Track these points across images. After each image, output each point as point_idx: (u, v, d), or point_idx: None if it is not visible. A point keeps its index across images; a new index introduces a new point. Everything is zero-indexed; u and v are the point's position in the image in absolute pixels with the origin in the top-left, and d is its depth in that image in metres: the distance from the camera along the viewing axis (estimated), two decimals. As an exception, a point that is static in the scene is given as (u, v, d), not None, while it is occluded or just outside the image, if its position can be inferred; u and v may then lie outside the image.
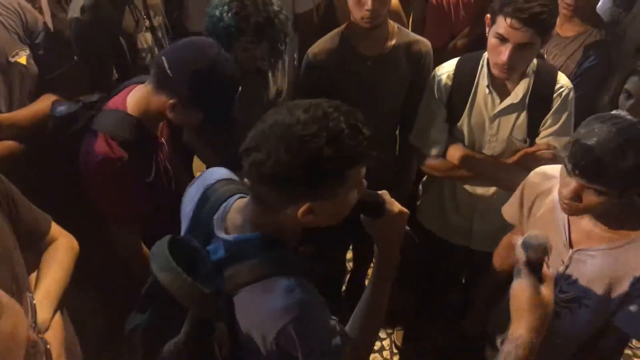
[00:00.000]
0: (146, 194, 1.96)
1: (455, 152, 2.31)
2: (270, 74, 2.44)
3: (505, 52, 2.01)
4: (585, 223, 1.76)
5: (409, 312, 3.15)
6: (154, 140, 1.99)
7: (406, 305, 3.15)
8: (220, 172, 1.54)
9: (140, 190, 1.93)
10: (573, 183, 1.60)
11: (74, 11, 2.38)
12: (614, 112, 1.66)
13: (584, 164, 1.55)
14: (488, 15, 2.11)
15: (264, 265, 1.28)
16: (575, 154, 1.57)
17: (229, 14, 2.10)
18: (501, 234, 2.42)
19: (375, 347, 3.11)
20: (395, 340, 3.11)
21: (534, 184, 1.94)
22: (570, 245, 1.78)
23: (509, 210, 2.08)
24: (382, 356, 3.08)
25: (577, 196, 1.61)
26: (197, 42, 1.87)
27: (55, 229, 1.71)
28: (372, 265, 3.41)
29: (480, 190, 2.37)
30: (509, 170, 2.22)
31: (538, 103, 2.18)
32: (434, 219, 2.58)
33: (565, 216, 1.80)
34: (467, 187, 2.39)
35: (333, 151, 1.18)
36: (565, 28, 2.67)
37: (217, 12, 2.13)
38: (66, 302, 1.63)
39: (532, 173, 1.96)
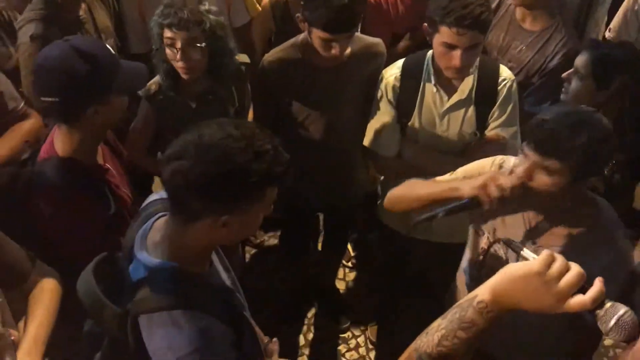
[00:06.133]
0: (112, 227, 1.91)
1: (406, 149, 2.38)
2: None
3: (456, 57, 2.07)
4: (545, 223, 1.77)
5: (381, 309, 3.21)
6: (97, 169, 1.93)
7: (379, 302, 3.23)
8: (161, 193, 1.57)
9: (104, 226, 1.89)
10: (526, 162, 1.62)
11: (23, 39, 2.37)
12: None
13: (539, 136, 1.58)
14: (425, 24, 2.15)
15: (170, 296, 1.33)
16: (532, 128, 1.61)
17: (159, 11, 2.19)
18: (457, 224, 2.49)
19: (351, 345, 3.18)
20: (370, 337, 3.17)
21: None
22: (533, 242, 1.79)
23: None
24: (358, 353, 3.14)
25: (529, 176, 1.62)
26: (42, 58, 1.76)
27: (40, 268, 1.71)
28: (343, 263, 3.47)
29: (436, 185, 2.43)
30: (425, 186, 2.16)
31: (484, 97, 2.25)
32: (395, 217, 2.62)
33: (525, 214, 1.80)
34: (424, 183, 2.44)
35: (258, 167, 1.26)
36: (529, 22, 2.70)
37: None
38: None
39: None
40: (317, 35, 2.22)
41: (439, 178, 1.90)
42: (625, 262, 1.72)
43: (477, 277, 2.03)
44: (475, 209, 1.64)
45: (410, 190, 1.95)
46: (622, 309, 0.99)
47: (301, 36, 2.41)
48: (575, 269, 1.00)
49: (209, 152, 1.25)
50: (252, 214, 1.34)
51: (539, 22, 2.69)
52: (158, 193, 1.61)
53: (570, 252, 1.71)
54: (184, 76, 2.27)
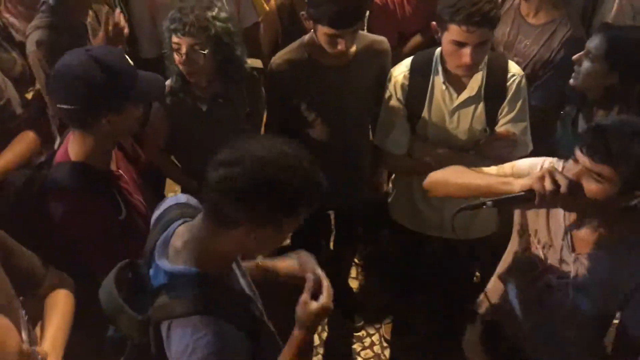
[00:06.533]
0: (122, 232, 1.93)
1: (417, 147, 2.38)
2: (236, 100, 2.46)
3: (466, 54, 2.08)
4: (585, 232, 1.74)
5: (394, 306, 3.22)
6: (109, 175, 1.96)
7: (391, 300, 3.24)
8: (177, 198, 1.62)
9: (114, 230, 1.91)
10: (576, 168, 1.58)
11: (30, 48, 2.40)
12: None
13: (593, 140, 1.55)
14: (434, 23, 2.16)
15: (191, 302, 1.35)
16: (587, 133, 1.58)
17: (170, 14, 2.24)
18: (473, 220, 2.51)
19: (366, 343, 3.18)
20: (384, 335, 3.17)
21: None
22: (572, 249, 1.77)
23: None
24: (373, 351, 3.14)
25: (577, 182, 1.57)
26: (61, 66, 1.78)
27: (54, 274, 1.74)
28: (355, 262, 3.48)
29: (447, 181, 2.43)
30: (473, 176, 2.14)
31: (493, 93, 2.26)
32: (406, 214, 2.64)
33: (567, 221, 1.78)
34: (435, 180, 2.44)
35: (304, 187, 1.30)
36: (534, 16, 2.69)
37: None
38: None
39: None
40: (322, 32, 2.23)
41: (486, 169, 1.88)
42: None
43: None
44: (526, 203, 1.61)
45: (459, 177, 1.88)
46: None
47: (307, 36, 2.42)
48: None
49: (265, 164, 1.28)
50: (283, 228, 1.37)
51: (543, 15, 2.68)
52: (173, 198, 1.63)
53: (607, 263, 1.71)
54: (189, 79, 2.30)
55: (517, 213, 1.94)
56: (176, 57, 2.24)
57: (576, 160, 1.59)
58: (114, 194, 1.94)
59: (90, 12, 2.60)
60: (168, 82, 2.36)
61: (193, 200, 1.61)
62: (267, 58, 2.84)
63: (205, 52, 2.20)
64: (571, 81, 2.32)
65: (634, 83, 2.20)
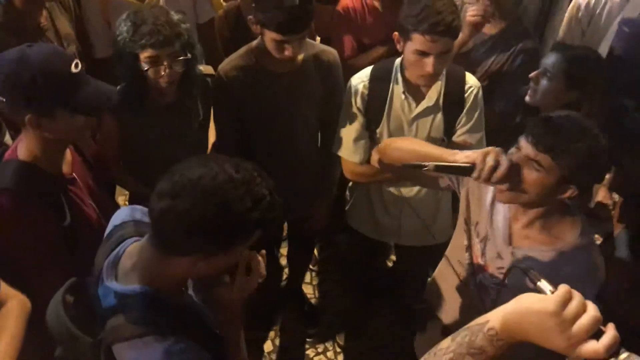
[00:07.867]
0: (65, 239, 1.84)
1: (374, 155, 2.39)
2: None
3: (429, 64, 2.10)
4: (522, 226, 1.80)
5: (348, 312, 3.25)
6: (58, 178, 1.87)
7: (346, 306, 3.27)
8: (132, 212, 1.55)
9: (55, 237, 1.82)
10: (518, 155, 1.65)
11: None
12: None
13: (540, 131, 1.61)
14: (396, 33, 2.18)
15: (143, 322, 1.30)
16: (536, 123, 1.64)
17: (126, 29, 2.11)
18: (428, 229, 2.54)
19: (319, 349, 3.18)
20: (338, 340, 3.19)
21: None
22: (510, 243, 1.82)
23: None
24: (326, 357, 3.15)
25: (517, 165, 1.63)
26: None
27: (4, 289, 1.66)
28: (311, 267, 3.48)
29: (404, 190, 2.47)
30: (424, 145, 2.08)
31: (451, 104, 2.29)
32: (363, 221, 2.66)
33: (507, 214, 1.84)
34: (392, 189, 2.48)
35: (254, 215, 1.24)
36: (488, 26, 2.73)
37: (117, 32, 2.15)
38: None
39: None
40: (270, 37, 2.21)
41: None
42: (596, 277, 1.75)
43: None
44: (464, 174, 1.69)
45: (409, 144, 2.01)
46: None
47: (254, 42, 2.40)
48: (591, 311, 0.94)
49: (208, 197, 1.20)
50: (235, 252, 1.35)
51: (495, 25, 2.74)
52: (128, 210, 1.56)
53: (544, 257, 1.76)
54: (163, 86, 2.21)
55: (462, 204, 1.99)
56: (153, 70, 2.14)
57: (519, 148, 1.66)
58: (59, 198, 1.85)
59: (44, 13, 2.51)
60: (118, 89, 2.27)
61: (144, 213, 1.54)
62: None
63: (182, 58, 2.15)
64: (527, 98, 2.39)
65: (593, 99, 2.28)
